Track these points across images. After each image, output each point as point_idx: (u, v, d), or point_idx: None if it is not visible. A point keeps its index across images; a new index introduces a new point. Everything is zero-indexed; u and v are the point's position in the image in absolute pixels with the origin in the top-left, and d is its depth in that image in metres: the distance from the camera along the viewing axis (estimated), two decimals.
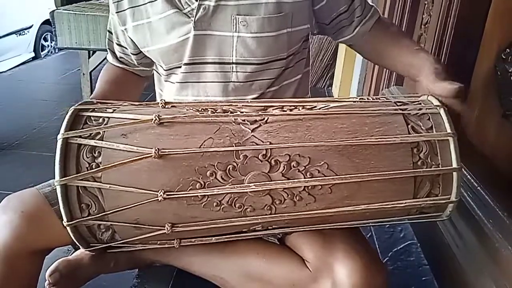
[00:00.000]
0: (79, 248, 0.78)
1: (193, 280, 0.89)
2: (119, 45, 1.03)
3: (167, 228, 0.71)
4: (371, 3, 0.99)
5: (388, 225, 1.40)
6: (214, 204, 0.70)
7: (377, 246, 1.37)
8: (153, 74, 1.08)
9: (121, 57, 1.05)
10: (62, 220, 0.70)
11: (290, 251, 0.83)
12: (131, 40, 0.97)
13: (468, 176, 1.03)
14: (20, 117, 2.98)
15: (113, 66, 1.08)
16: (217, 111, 0.75)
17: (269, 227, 0.76)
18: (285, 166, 0.69)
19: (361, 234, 0.84)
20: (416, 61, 0.89)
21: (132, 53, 1.01)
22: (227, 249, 0.83)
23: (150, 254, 0.91)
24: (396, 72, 1.67)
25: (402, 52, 0.94)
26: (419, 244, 1.32)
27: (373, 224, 0.78)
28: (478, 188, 0.99)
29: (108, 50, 1.07)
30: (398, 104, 0.78)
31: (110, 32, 1.03)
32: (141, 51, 0.98)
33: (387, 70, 1.98)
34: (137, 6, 0.92)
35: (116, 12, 0.95)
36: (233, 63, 0.90)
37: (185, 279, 0.92)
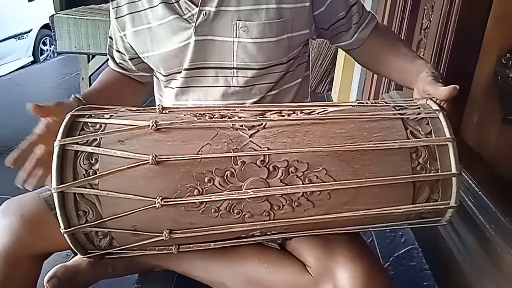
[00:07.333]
0: None
1: (194, 285, 0.88)
2: (118, 51, 1.02)
3: (165, 235, 0.70)
4: (369, 10, 0.99)
5: (388, 230, 1.39)
6: (212, 210, 0.69)
7: (378, 251, 1.36)
8: (153, 79, 1.08)
9: (120, 63, 1.05)
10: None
11: (291, 256, 0.82)
12: (130, 45, 0.97)
13: (469, 181, 1.02)
14: (19, 121, 2.95)
15: (113, 70, 1.08)
16: (214, 117, 0.74)
17: (268, 233, 0.76)
18: (283, 172, 0.68)
19: (361, 239, 0.83)
20: (413, 67, 0.88)
21: (129, 59, 1.01)
22: (228, 255, 0.83)
23: (150, 259, 0.91)
24: (392, 80, 1.66)
25: (399, 59, 0.93)
26: (420, 249, 1.31)
27: (372, 229, 0.78)
28: (479, 192, 0.99)
29: (108, 55, 1.07)
30: (397, 108, 0.77)
31: (111, 38, 1.03)
32: (138, 57, 0.98)
33: None
34: (137, 11, 0.92)
35: (115, 18, 0.95)
36: (233, 68, 0.90)
37: (185, 284, 0.92)
